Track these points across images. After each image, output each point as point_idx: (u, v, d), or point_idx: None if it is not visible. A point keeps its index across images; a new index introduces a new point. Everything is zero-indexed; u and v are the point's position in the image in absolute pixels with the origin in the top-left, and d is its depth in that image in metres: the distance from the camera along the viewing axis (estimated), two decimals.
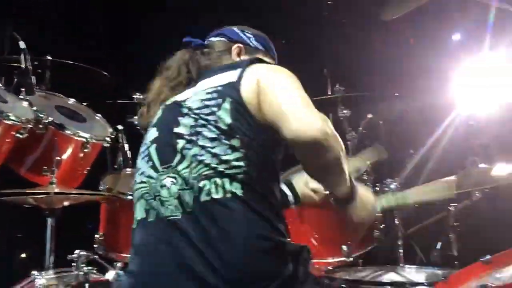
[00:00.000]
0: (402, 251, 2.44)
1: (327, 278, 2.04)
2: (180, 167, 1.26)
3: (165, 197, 1.25)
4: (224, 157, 1.25)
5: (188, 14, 3.23)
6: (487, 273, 1.44)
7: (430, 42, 2.87)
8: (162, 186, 1.26)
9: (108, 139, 2.38)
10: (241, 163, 1.24)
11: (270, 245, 1.21)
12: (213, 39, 1.56)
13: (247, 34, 1.56)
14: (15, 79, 2.18)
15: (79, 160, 2.22)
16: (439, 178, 2.30)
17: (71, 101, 2.49)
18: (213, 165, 1.24)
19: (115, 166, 2.51)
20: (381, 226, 2.47)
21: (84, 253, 2.13)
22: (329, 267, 2.29)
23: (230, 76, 1.35)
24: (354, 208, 1.36)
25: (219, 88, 1.33)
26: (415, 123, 2.94)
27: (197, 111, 1.31)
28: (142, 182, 1.31)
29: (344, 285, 1.95)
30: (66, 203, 2.09)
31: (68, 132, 2.19)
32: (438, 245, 2.28)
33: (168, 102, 1.42)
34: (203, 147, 1.26)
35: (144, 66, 1.63)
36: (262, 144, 1.28)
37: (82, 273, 2.08)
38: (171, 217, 1.23)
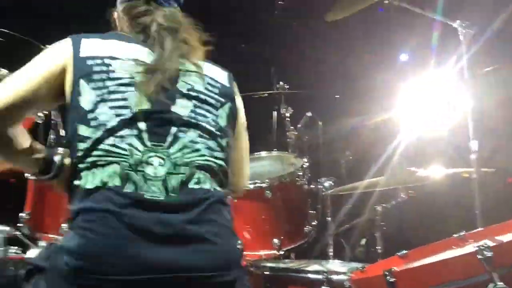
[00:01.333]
0: (331, 247, 2.53)
1: (253, 266, 2.07)
2: (171, 150, 1.25)
3: (150, 176, 1.21)
4: (215, 153, 1.31)
5: None
6: (401, 265, 1.50)
7: (373, 46, 2.98)
8: (148, 163, 1.22)
9: (41, 114, 2.27)
10: (222, 163, 1.33)
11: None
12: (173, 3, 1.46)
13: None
14: None
15: None
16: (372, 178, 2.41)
17: (3, 70, 2.36)
18: (206, 157, 1.29)
19: (47, 144, 2.41)
20: (313, 223, 2.55)
21: (5, 228, 2.04)
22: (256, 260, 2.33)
23: (221, 76, 1.43)
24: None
25: (219, 86, 1.39)
26: (354, 126, 3.04)
27: (201, 97, 1.33)
28: (119, 147, 1.22)
29: (267, 273, 2.00)
30: None
31: None
32: (363, 241, 2.37)
33: (152, 61, 1.31)
34: (200, 136, 1.29)
35: None
36: (231, 150, 1.40)
37: (1, 249, 1.99)
38: (153, 197, 1.20)
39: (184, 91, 1.32)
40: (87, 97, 1.25)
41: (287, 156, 2.73)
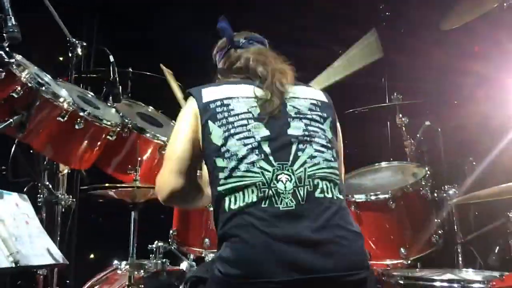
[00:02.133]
0: (460, 256, 2.51)
1: (384, 275, 2.14)
2: (295, 167, 1.45)
3: (281, 190, 1.42)
4: (331, 164, 1.50)
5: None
6: None
7: (489, 51, 2.91)
8: (278, 180, 1.43)
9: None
10: (337, 171, 1.52)
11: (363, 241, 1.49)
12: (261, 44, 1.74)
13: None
14: (104, 89, 2.46)
15: (158, 160, 2.46)
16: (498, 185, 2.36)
17: (150, 108, 2.77)
18: (324, 169, 1.48)
19: None
20: (440, 232, 2.55)
21: (162, 244, 2.38)
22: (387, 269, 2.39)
23: (320, 95, 1.63)
24: None
25: (320, 104, 1.59)
26: (474, 132, 2.97)
27: (309, 117, 1.54)
28: (252, 171, 1.44)
29: (401, 282, 2.05)
30: (147, 197, 2.33)
31: (148, 135, 2.44)
32: (496, 250, 2.31)
33: (262, 95, 1.53)
34: (316, 150, 1.49)
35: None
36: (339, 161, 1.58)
37: (160, 262, 2.33)
38: (286, 208, 1.40)
39: (293, 114, 1.53)
40: (216, 134, 1.48)
41: (408, 166, 2.76)
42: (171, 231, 2.56)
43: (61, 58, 3.10)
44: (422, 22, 3.12)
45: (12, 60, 1.69)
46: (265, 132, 1.48)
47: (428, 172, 2.58)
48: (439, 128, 2.74)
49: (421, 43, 3.19)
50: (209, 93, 1.55)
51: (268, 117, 1.50)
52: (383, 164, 2.77)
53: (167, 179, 1.54)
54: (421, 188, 2.50)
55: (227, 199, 1.43)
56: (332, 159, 1.52)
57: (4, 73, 1.68)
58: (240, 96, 1.54)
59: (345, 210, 1.47)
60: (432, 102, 2.94)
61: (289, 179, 1.43)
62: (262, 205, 1.39)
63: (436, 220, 2.57)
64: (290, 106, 1.54)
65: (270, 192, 1.41)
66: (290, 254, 1.34)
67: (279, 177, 1.43)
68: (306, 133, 1.50)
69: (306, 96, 1.59)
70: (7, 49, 1.64)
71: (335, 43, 3.39)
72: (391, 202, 2.43)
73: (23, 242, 1.85)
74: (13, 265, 1.74)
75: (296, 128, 1.50)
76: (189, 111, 1.56)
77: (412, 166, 2.72)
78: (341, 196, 1.49)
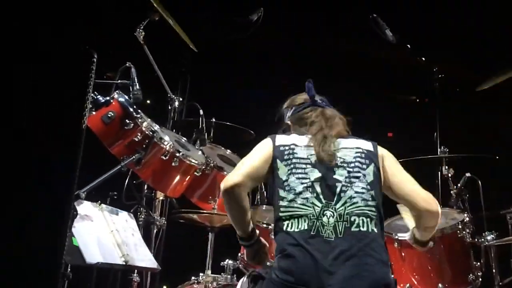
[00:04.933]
0: None
1: None
2: (337, 206, 1.86)
3: (325, 223, 1.83)
4: (369, 202, 1.88)
5: None
6: None
7: None
8: (323, 214, 1.84)
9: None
10: (375, 209, 1.88)
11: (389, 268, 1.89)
12: (331, 108, 2.15)
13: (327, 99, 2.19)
14: (194, 135, 3.09)
15: None
16: None
17: (228, 151, 3.37)
18: (362, 207, 1.86)
19: (255, 202, 3.29)
20: (477, 273, 2.83)
21: (231, 262, 2.89)
22: None
23: (367, 145, 1.99)
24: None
25: (365, 152, 1.96)
26: None
27: (351, 165, 1.92)
28: (305, 205, 1.86)
29: None
30: (222, 223, 2.89)
31: (225, 173, 2.97)
32: None
33: (319, 147, 1.93)
34: (356, 192, 1.88)
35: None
36: (382, 203, 1.94)
37: (229, 276, 2.84)
38: (328, 238, 1.82)
39: (339, 163, 1.93)
40: (282, 170, 1.92)
41: (450, 212, 3.08)
42: (239, 254, 3.07)
43: (148, 101, 3.87)
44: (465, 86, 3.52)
45: (138, 115, 2.38)
46: (317, 175, 1.90)
47: (467, 218, 2.90)
48: (479, 181, 3.05)
49: (458, 106, 3.58)
50: (281, 139, 2.00)
51: (321, 164, 1.92)
52: None
53: (235, 174, 1.92)
54: (458, 231, 2.83)
55: (285, 223, 1.87)
56: (370, 198, 1.88)
57: (132, 124, 2.36)
58: (303, 145, 1.97)
59: (376, 241, 1.84)
60: (474, 156, 3.26)
61: (332, 215, 1.84)
62: (312, 233, 1.83)
63: (474, 262, 2.87)
64: (338, 156, 1.94)
65: (318, 223, 1.84)
66: (327, 273, 1.76)
67: (325, 212, 1.84)
68: (348, 179, 1.89)
69: (353, 146, 1.98)
70: (134, 106, 2.33)
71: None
72: (431, 242, 2.78)
73: (130, 249, 2.46)
74: (124, 263, 2.34)
75: (340, 175, 1.90)
76: (266, 146, 2.00)
77: (453, 212, 3.04)
78: (375, 229, 1.85)
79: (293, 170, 1.92)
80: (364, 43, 4.08)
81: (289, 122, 2.20)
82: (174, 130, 3.34)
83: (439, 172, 3.45)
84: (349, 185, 1.89)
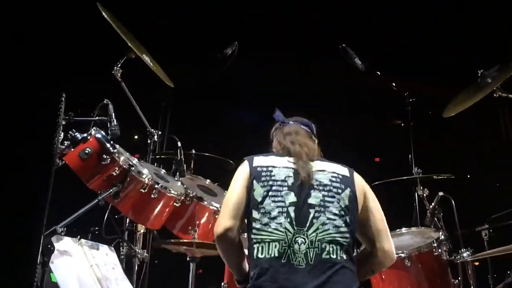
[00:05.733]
0: None
1: None
2: (309, 232, 1.84)
3: (296, 250, 1.82)
4: (341, 229, 1.86)
5: None
6: None
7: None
8: (295, 241, 1.82)
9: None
10: (348, 235, 1.87)
11: None
12: (302, 126, 2.16)
13: (314, 127, 2.22)
14: (173, 167, 3.15)
15: (212, 223, 3.06)
16: None
17: (208, 181, 3.43)
18: (333, 234, 1.84)
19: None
20: None
21: None
22: None
23: (343, 170, 1.98)
24: None
25: (341, 177, 1.95)
26: (489, 201, 3.34)
27: (327, 188, 1.90)
28: (279, 230, 1.85)
29: None
30: (204, 253, 2.92)
31: (205, 203, 3.04)
32: None
33: (297, 167, 1.93)
34: (328, 219, 1.86)
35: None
36: (356, 227, 1.93)
37: None
38: (298, 266, 1.81)
39: (315, 186, 1.91)
40: (258, 191, 1.90)
41: (426, 231, 3.16)
42: (222, 283, 3.09)
43: (136, 137, 3.94)
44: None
45: (115, 150, 2.45)
46: (293, 199, 1.88)
47: (442, 236, 2.98)
48: (452, 199, 3.15)
49: (436, 128, 3.73)
50: (259, 160, 1.99)
51: (298, 185, 1.90)
52: (403, 229, 3.20)
53: (223, 220, 1.93)
54: (434, 250, 2.89)
55: (255, 246, 1.86)
56: (343, 224, 1.87)
57: (109, 159, 2.42)
58: (281, 166, 1.96)
59: (346, 268, 1.83)
60: (448, 176, 3.37)
61: (304, 241, 1.83)
62: (282, 260, 1.82)
63: (453, 280, 2.93)
64: (315, 179, 1.92)
65: (289, 250, 1.82)
66: None
67: (296, 239, 1.83)
68: (322, 203, 1.87)
69: (329, 170, 1.97)
70: (111, 142, 2.40)
71: None
72: (407, 261, 2.85)
73: (111, 283, 2.48)
74: None
75: (315, 198, 1.88)
76: (242, 172, 2.00)
77: (429, 231, 3.12)
78: (344, 256, 1.84)
79: (270, 193, 1.91)
80: (338, 72, 4.23)
81: (273, 149, 2.21)
82: (156, 164, 3.40)
83: (416, 193, 3.55)
84: (322, 209, 1.88)
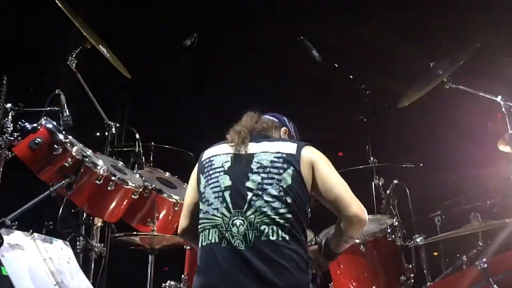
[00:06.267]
0: None
1: None
2: (248, 213, 1.83)
3: (235, 233, 1.82)
4: (280, 210, 1.83)
5: None
6: None
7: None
8: (233, 224, 1.82)
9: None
10: (290, 215, 1.84)
11: (307, 276, 1.86)
12: (269, 117, 2.15)
13: (291, 124, 2.22)
14: (131, 159, 3.12)
15: (172, 215, 3.06)
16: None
17: (167, 174, 3.41)
18: (271, 215, 1.82)
19: None
20: (409, 274, 2.99)
21: (173, 283, 2.91)
22: None
23: (289, 148, 1.91)
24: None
25: (284, 155, 1.89)
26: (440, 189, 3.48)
27: (266, 170, 1.86)
28: (215, 215, 1.86)
29: None
30: (162, 244, 2.91)
31: (164, 195, 3.03)
32: None
33: (236, 152, 1.91)
34: (266, 201, 1.83)
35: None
36: (303, 205, 1.90)
37: None
38: (238, 247, 1.81)
39: (255, 169, 1.88)
40: (202, 183, 1.97)
41: (381, 218, 3.25)
42: (183, 276, 3.08)
43: (98, 134, 3.86)
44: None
45: (67, 140, 2.40)
46: (228, 182, 1.88)
47: (396, 222, 3.08)
48: (406, 187, 3.25)
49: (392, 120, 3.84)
50: (207, 153, 2.01)
51: (233, 169, 1.88)
52: None
53: (180, 220, 2.08)
54: (388, 235, 2.99)
55: (201, 235, 1.90)
56: (284, 205, 1.83)
57: (61, 149, 2.37)
58: (222, 153, 1.96)
59: (288, 248, 1.80)
60: (401, 165, 3.48)
61: (242, 223, 1.82)
62: (222, 245, 1.83)
63: (406, 264, 3.03)
64: (255, 162, 1.89)
65: (227, 234, 1.82)
66: (237, 281, 1.77)
67: (235, 221, 1.83)
68: (260, 186, 1.84)
69: (273, 150, 1.91)
70: (63, 132, 2.35)
71: None
72: (362, 247, 2.93)
73: (65, 276, 2.43)
74: None
75: (253, 181, 1.85)
76: (194, 170, 2.05)
77: (384, 218, 3.22)
78: (287, 237, 1.81)
79: (209, 182, 1.93)
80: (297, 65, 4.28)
81: None
82: (114, 157, 3.35)
83: (372, 182, 3.64)
84: (260, 193, 1.85)
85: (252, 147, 1.95)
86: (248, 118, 2.08)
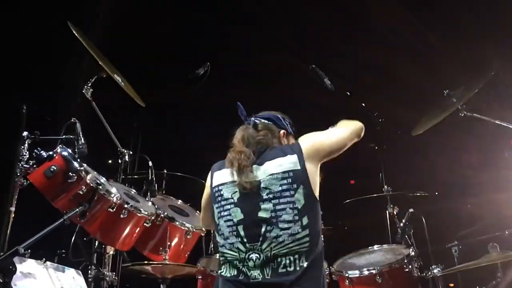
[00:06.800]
0: None
1: None
2: (263, 246, 1.81)
3: (251, 267, 1.82)
4: (297, 236, 1.79)
5: None
6: None
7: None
8: (249, 259, 1.82)
9: (204, 230, 3.19)
10: (307, 238, 1.80)
11: None
12: (264, 120, 2.06)
13: (287, 121, 2.12)
14: (144, 187, 3.11)
15: (184, 244, 3.02)
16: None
17: (179, 201, 3.39)
18: (288, 244, 1.79)
19: (209, 252, 3.30)
20: None
21: None
22: None
23: (292, 161, 1.85)
24: None
25: (291, 173, 1.83)
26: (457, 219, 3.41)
27: (277, 195, 1.81)
28: (232, 250, 1.87)
29: None
30: (174, 274, 2.86)
31: (177, 223, 3.01)
32: None
33: (241, 181, 1.86)
34: (281, 229, 1.79)
35: None
36: (317, 219, 1.89)
37: None
38: (255, 280, 1.81)
39: (265, 196, 1.84)
40: (215, 213, 1.95)
41: (397, 247, 3.19)
42: None
43: (110, 161, 3.87)
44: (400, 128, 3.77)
45: (82, 168, 2.40)
46: (240, 216, 1.86)
47: (413, 252, 3.01)
48: (422, 216, 3.19)
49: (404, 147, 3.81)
50: (216, 178, 1.99)
51: (245, 199, 1.85)
52: (375, 247, 3.22)
53: (202, 219, 2.16)
54: (405, 266, 2.92)
55: (222, 267, 1.94)
56: (300, 229, 1.80)
57: (76, 177, 2.38)
58: (228, 181, 1.92)
59: (306, 274, 1.77)
60: (416, 193, 3.43)
61: (259, 257, 1.81)
62: (239, 278, 1.84)
63: None
64: (263, 188, 1.84)
65: (244, 269, 1.83)
66: None
67: (250, 256, 1.83)
68: (273, 214, 1.80)
69: (279, 170, 1.85)
70: (78, 160, 2.36)
71: None
72: (379, 277, 2.86)
73: None
74: None
75: (265, 211, 1.82)
76: (207, 188, 2.05)
77: (400, 248, 3.15)
78: (305, 264, 1.78)
79: (222, 213, 1.92)
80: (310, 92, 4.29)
81: None
82: (127, 184, 3.35)
83: (387, 211, 3.59)
84: (274, 221, 1.81)
85: (257, 173, 1.89)
86: (243, 134, 2.01)
